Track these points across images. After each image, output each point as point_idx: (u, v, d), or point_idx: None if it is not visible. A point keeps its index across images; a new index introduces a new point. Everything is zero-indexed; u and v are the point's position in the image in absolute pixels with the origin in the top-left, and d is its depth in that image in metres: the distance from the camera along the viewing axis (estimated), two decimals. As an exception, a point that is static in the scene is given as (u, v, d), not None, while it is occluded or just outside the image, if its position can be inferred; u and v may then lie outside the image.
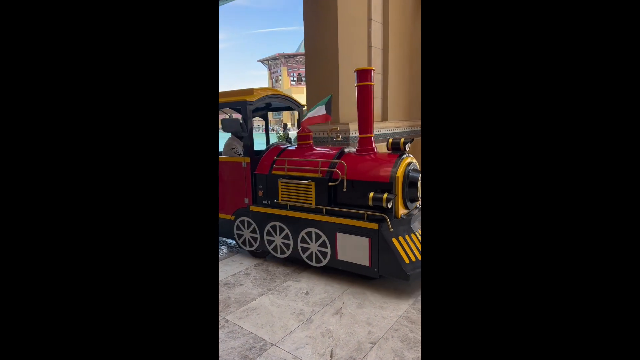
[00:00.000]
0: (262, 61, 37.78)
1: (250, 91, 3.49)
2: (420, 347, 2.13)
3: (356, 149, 3.21)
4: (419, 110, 7.03)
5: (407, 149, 3.03)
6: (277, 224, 3.31)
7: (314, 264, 3.18)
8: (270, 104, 4.11)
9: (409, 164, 2.89)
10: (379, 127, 5.70)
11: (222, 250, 3.97)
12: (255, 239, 3.54)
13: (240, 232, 3.66)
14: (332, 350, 2.14)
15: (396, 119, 6.38)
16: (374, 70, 3.11)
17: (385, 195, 2.71)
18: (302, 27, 4.93)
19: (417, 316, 2.50)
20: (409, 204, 2.90)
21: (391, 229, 2.74)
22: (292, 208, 3.25)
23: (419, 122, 7.00)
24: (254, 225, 3.50)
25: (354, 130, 4.82)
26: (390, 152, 3.11)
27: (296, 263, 3.49)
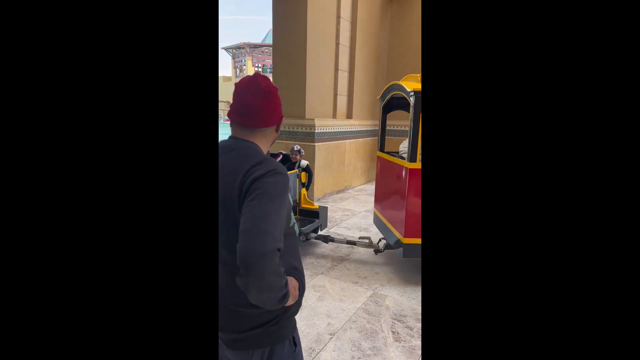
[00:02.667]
0: (226, 49, 36.75)
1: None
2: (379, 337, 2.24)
3: None
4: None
5: None
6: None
7: None
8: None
9: None
10: (345, 125, 5.85)
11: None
12: None
13: None
14: (291, 342, 2.23)
15: (361, 118, 6.57)
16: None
17: None
18: (269, 17, 4.92)
19: (374, 308, 2.66)
20: None
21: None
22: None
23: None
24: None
25: (320, 126, 4.92)
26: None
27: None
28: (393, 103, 3.64)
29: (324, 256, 3.58)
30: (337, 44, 5.38)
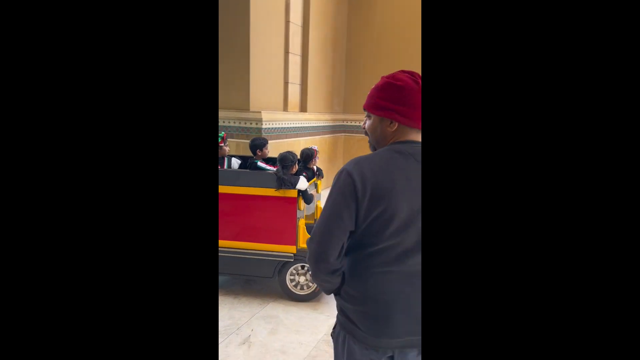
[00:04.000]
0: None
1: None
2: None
3: None
4: (342, 101, 7.01)
5: None
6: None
7: None
8: None
9: None
10: (298, 120, 5.43)
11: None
12: None
13: None
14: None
15: (317, 111, 6.20)
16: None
17: None
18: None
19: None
20: None
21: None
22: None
23: (342, 116, 6.99)
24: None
25: (267, 121, 4.48)
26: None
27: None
28: None
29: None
30: (287, 21, 4.94)
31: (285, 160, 2.63)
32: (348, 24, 6.82)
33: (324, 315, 2.63)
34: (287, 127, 5.06)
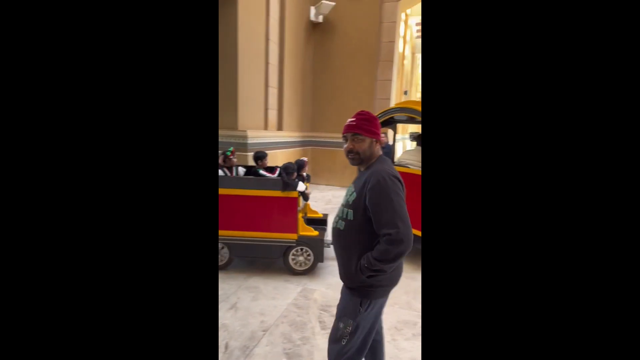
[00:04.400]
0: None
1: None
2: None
3: None
4: (310, 122, 7.45)
5: None
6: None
7: None
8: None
9: None
10: (276, 136, 5.82)
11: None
12: None
13: None
14: (226, 343, 2.13)
15: (290, 130, 6.61)
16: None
17: None
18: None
19: (304, 302, 2.67)
20: None
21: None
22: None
23: (310, 133, 7.42)
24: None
25: (251, 137, 4.83)
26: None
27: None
28: (388, 120, 3.87)
29: (250, 259, 3.46)
30: (267, 63, 5.34)
31: (288, 169, 2.95)
32: (313, 61, 7.25)
33: (294, 285, 2.92)
34: (268, 142, 5.42)
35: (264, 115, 5.55)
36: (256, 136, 5.00)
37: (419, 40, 14.94)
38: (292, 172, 2.97)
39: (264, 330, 2.28)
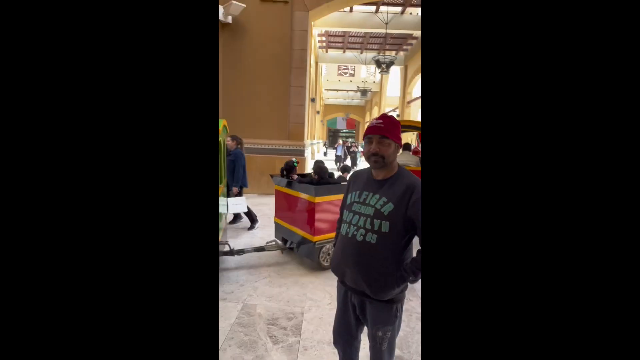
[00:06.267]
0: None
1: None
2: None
3: None
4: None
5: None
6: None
7: None
8: None
9: None
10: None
11: None
12: None
13: None
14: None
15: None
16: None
17: None
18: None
19: (248, 319, 2.54)
20: None
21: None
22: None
23: (221, 138, 7.04)
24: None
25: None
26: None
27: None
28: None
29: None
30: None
31: (322, 171, 3.52)
32: (222, 63, 7.00)
33: (232, 303, 2.74)
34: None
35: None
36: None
37: (322, 50, 15.86)
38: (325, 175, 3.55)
39: (210, 359, 2.08)
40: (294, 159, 3.96)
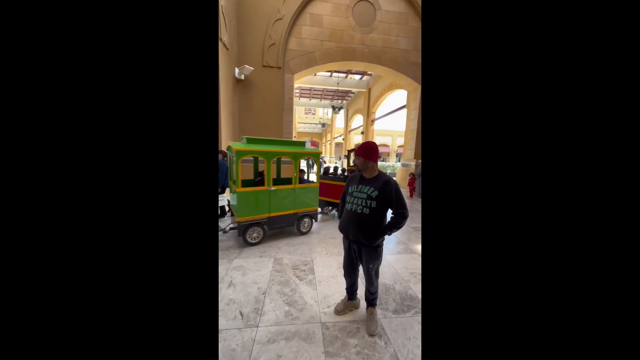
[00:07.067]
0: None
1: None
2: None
3: None
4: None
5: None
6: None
7: None
8: None
9: None
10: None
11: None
12: None
13: None
14: (240, 312, 1.82)
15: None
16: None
17: None
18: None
19: (280, 267, 2.51)
20: None
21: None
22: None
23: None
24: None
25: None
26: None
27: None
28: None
29: (227, 247, 2.99)
30: None
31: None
32: (239, 106, 6.62)
33: (266, 258, 2.66)
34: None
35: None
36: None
37: (296, 98, 15.70)
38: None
39: (263, 293, 2.05)
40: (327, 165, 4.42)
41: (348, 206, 1.48)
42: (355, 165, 1.45)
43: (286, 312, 1.81)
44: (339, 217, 1.65)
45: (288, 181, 3.35)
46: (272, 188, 2.94)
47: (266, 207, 2.85)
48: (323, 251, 2.92)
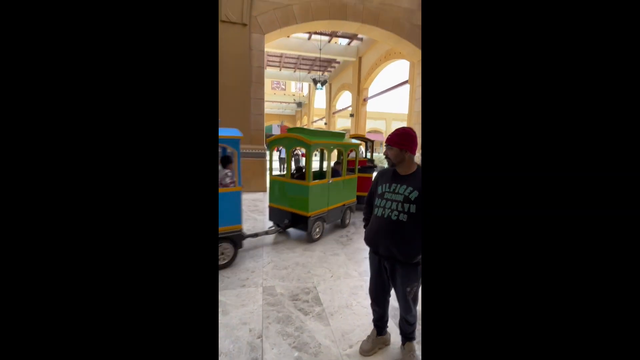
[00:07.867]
0: None
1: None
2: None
3: None
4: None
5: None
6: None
7: None
8: None
9: None
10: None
11: None
12: None
13: None
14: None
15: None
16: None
17: None
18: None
19: (274, 299, 2.43)
20: None
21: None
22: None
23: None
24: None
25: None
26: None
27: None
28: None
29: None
30: None
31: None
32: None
33: (252, 288, 2.58)
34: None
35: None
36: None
37: (269, 69, 15.28)
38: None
39: (258, 337, 1.96)
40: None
41: (377, 211, 1.42)
42: (387, 157, 1.42)
43: (297, 359, 1.76)
44: (365, 226, 1.61)
45: (323, 175, 4.00)
46: (331, 181, 3.51)
47: (326, 200, 3.51)
48: (326, 273, 2.90)
